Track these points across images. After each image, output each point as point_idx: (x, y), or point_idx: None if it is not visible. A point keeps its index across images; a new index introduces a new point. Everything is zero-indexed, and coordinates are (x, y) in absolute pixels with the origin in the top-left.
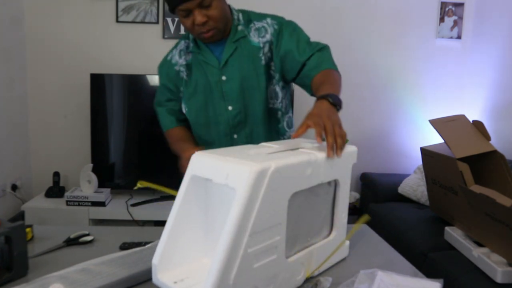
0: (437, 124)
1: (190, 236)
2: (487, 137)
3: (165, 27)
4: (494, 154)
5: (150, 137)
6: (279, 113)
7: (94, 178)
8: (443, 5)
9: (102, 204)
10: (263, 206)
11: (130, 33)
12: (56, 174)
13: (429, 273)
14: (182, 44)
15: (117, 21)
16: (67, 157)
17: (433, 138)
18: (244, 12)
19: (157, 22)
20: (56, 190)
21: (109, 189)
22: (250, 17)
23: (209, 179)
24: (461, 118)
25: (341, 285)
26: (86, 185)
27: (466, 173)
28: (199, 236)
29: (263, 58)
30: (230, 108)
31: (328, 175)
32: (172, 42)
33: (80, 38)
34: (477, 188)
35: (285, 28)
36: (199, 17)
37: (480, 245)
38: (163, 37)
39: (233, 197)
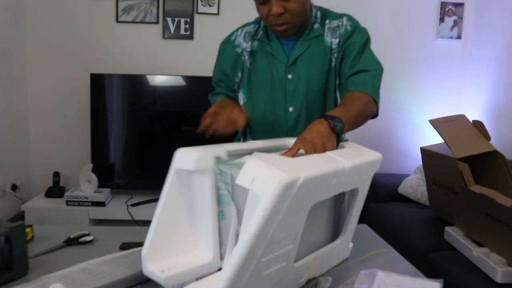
0: (437, 124)
1: (177, 228)
2: (487, 137)
3: (165, 27)
4: (494, 154)
5: (150, 137)
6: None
7: (94, 178)
8: (443, 5)
9: (102, 204)
10: (285, 217)
11: (130, 33)
12: (56, 174)
13: (429, 273)
14: (251, 28)
15: (117, 21)
16: (67, 157)
17: (433, 138)
18: (321, 9)
19: (157, 22)
20: (56, 190)
21: (109, 189)
22: (326, 14)
23: (192, 171)
24: (461, 118)
25: (341, 285)
26: (86, 185)
27: (466, 173)
28: (186, 228)
29: (333, 59)
30: (291, 109)
31: (351, 184)
32: (172, 42)
33: (80, 38)
34: (477, 188)
35: (357, 34)
36: (275, 7)
37: (480, 245)
38: (163, 37)
39: (255, 203)
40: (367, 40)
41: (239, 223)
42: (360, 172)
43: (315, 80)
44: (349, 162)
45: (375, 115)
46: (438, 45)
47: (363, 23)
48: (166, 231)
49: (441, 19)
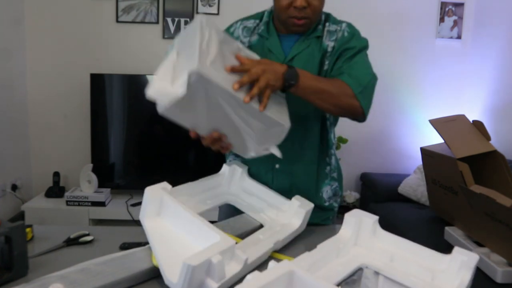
0: (437, 124)
1: (178, 243)
2: (487, 137)
3: (165, 27)
4: (494, 154)
5: (150, 137)
6: (328, 122)
7: (94, 178)
8: (443, 5)
9: (102, 204)
10: None
11: (130, 33)
12: (56, 174)
13: None
14: (250, 23)
15: (117, 21)
16: (67, 157)
17: (433, 138)
18: (325, 13)
19: (157, 22)
20: (56, 190)
21: (109, 189)
22: (328, 18)
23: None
24: (461, 118)
25: (341, 285)
26: (86, 185)
27: (466, 173)
28: (186, 238)
29: (326, 63)
30: None
31: None
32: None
33: (80, 38)
34: (477, 188)
35: (354, 40)
36: (301, 0)
37: (480, 245)
38: (163, 37)
39: None
40: (364, 47)
41: None
42: None
43: None
44: None
45: (362, 119)
46: (438, 45)
47: (363, 23)
48: (170, 250)
49: (441, 19)
